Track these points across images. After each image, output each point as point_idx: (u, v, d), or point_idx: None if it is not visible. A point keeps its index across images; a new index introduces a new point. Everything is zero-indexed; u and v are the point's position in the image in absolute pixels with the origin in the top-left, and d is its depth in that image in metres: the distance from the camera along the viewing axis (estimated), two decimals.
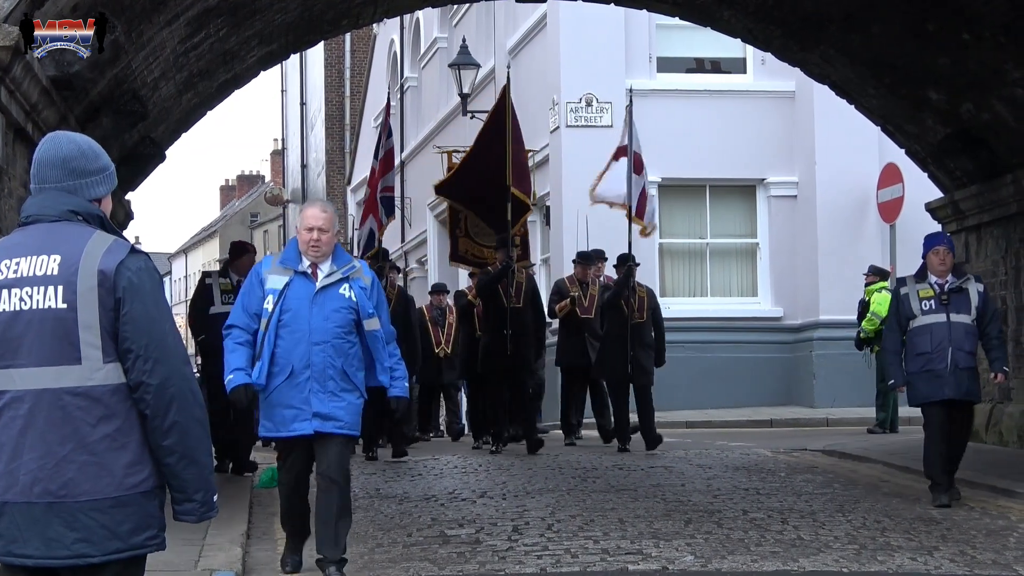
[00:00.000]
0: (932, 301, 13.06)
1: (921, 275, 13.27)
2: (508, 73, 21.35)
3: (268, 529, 11.96)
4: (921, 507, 12.92)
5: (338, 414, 9.27)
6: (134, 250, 4.90)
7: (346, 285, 9.32)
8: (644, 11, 21.04)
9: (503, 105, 19.93)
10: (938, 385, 13.02)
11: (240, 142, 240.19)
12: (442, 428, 24.45)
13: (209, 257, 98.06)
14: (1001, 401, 18.10)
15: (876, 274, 21.53)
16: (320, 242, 9.29)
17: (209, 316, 15.01)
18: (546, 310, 20.34)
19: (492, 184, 19.56)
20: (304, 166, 54.39)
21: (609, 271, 20.76)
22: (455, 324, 21.82)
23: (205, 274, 16.40)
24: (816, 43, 17.89)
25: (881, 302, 21.59)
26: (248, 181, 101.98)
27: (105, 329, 4.80)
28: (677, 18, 19.60)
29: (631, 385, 18.79)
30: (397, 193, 40.47)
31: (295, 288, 9.22)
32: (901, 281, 13.68)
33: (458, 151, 22.02)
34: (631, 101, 19.88)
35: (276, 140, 74.00)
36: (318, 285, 9.26)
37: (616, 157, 19.95)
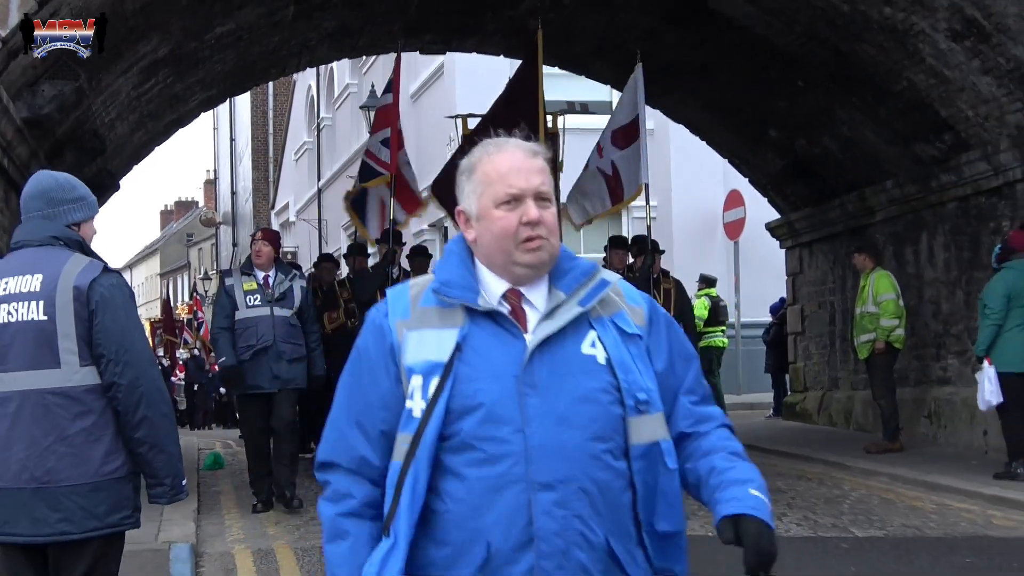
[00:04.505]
0: None
1: None
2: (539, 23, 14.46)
3: (215, 505, 11.80)
4: (767, 479, 12.98)
5: None
6: (107, 269, 4.91)
7: (592, 334, 3.12)
8: None
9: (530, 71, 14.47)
10: None
11: (177, 172, 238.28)
12: None
13: (151, 271, 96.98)
14: (830, 389, 18.29)
15: (704, 282, 21.67)
16: (545, 225, 3.11)
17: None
18: None
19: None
20: (234, 193, 54.23)
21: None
22: None
23: (223, 273, 12.19)
24: (673, 89, 17.99)
25: (700, 307, 21.80)
26: (184, 206, 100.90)
27: (81, 337, 4.77)
28: (556, 68, 19.60)
29: None
30: (314, 216, 40.46)
31: (480, 351, 3.06)
32: None
33: (473, 115, 16.55)
34: (640, 59, 14.49)
35: (208, 171, 73.45)
36: (534, 338, 3.06)
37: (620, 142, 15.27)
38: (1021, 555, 9.09)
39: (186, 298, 54.44)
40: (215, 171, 62.57)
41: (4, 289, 4.81)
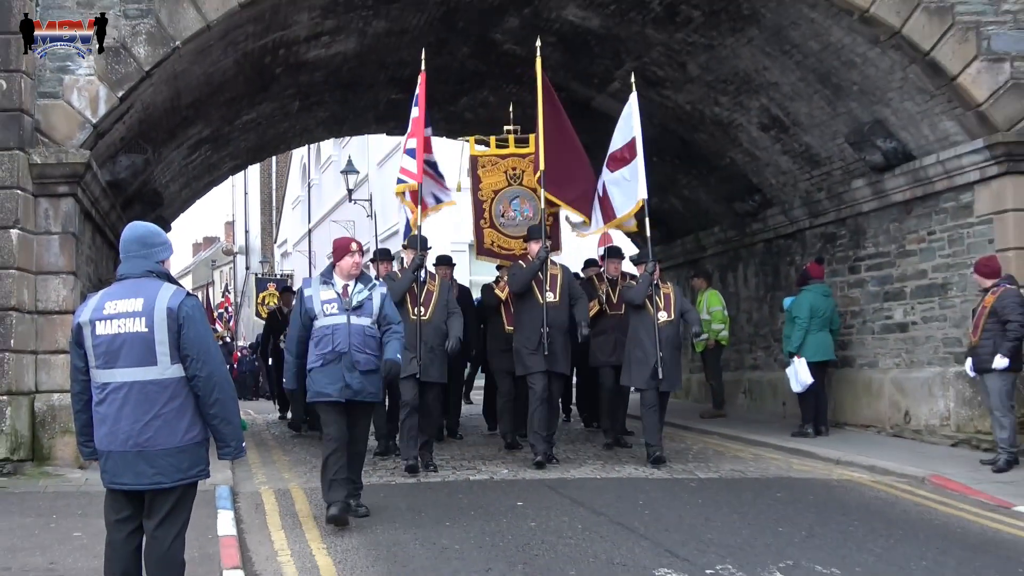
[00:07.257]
0: None
1: None
2: (537, 49, 11.19)
3: (242, 457, 11.60)
4: (635, 438, 13.04)
5: None
6: (189, 294, 4.94)
7: None
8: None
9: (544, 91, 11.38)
10: None
11: (205, 215, 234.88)
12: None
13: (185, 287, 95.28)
14: (692, 372, 18.45)
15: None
16: None
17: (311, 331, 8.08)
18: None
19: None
20: (247, 231, 53.72)
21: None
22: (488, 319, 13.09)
23: (303, 283, 8.57)
24: None
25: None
26: (210, 240, 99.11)
27: (172, 343, 4.80)
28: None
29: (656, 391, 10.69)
30: (305, 248, 40.32)
31: None
32: None
33: (481, 139, 13.30)
34: (633, 86, 11.69)
35: (228, 215, 72.50)
36: None
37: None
38: (815, 490, 9.31)
39: (218, 297, 54.11)
40: (233, 215, 61.84)
41: (115, 308, 4.83)
